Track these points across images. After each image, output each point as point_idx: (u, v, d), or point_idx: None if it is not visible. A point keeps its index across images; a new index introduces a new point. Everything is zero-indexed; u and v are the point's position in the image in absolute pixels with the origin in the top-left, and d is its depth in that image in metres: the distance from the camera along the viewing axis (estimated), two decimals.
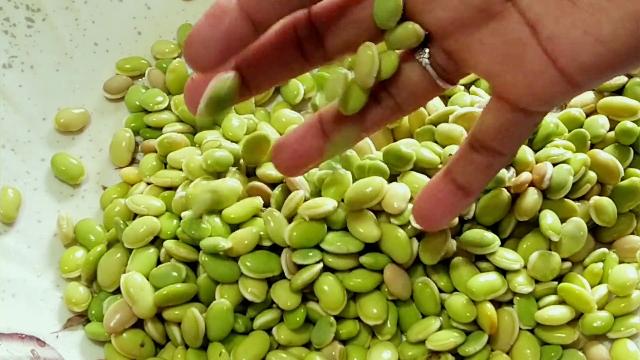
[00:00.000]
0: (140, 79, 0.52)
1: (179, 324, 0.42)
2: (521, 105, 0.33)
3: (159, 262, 0.43)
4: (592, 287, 0.43)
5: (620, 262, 0.44)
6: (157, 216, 0.44)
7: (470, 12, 0.32)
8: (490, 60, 0.33)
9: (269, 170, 0.45)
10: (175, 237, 0.43)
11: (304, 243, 0.41)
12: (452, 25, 0.33)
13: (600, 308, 0.43)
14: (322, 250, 0.42)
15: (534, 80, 0.32)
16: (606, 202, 0.44)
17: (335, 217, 0.42)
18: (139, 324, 0.42)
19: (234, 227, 0.43)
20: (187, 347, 0.42)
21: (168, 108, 0.50)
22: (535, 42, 0.31)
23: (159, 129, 0.49)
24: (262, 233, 0.42)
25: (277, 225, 0.42)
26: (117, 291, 0.43)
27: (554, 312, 0.42)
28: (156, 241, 0.44)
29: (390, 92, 0.36)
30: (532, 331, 0.43)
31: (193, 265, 0.43)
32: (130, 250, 0.44)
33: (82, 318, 0.45)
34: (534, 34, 0.31)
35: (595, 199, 0.44)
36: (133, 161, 0.49)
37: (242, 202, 0.43)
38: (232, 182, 0.44)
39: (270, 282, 0.42)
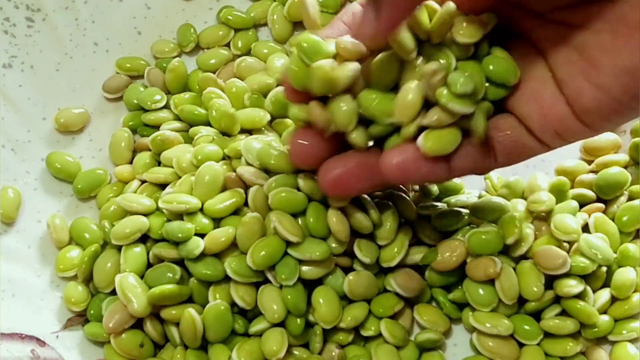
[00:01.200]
0: (139, 79, 0.52)
1: (177, 324, 0.42)
2: (536, 132, 0.36)
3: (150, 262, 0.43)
4: (594, 291, 0.43)
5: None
6: (146, 214, 0.43)
7: None
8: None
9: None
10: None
11: (269, 263, 0.40)
12: None
13: (602, 312, 0.43)
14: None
15: (548, 113, 0.35)
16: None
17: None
18: (138, 324, 0.42)
19: (218, 220, 0.43)
20: (186, 347, 0.42)
21: (166, 106, 0.49)
22: (553, 83, 0.35)
23: (156, 127, 0.48)
24: None
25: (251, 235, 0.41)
26: (115, 292, 0.43)
27: (558, 321, 0.42)
28: (147, 240, 0.43)
29: None
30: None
31: None
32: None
33: (82, 318, 0.45)
34: (553, 76, 0.36)
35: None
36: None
37: (223, 194, 0.43)
38: (217, 166, 0.43)
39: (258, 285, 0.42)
